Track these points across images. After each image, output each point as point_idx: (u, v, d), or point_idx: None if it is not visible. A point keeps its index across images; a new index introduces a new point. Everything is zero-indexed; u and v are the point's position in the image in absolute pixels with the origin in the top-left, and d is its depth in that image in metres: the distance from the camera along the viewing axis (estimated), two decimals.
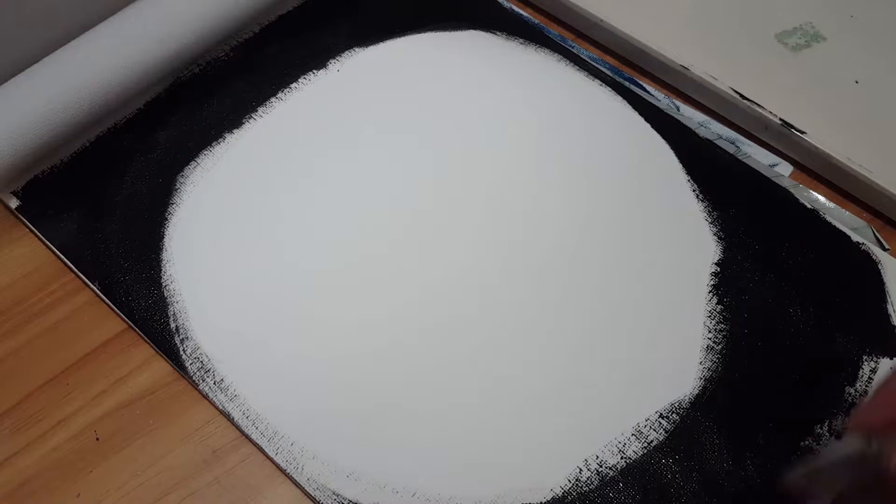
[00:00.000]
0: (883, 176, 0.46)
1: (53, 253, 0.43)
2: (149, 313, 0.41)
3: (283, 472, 0.37)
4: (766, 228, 0.45)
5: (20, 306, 0.41)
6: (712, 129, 0.50)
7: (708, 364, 0.41)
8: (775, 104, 0.48)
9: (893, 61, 0.51)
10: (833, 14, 0.53)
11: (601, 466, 0.38)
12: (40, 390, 0.39)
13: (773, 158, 0.49)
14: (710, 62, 0.50)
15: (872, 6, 0.53)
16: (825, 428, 0.39)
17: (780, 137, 0.48)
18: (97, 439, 0.38)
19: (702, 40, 0.51)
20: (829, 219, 0.46)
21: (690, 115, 0.50)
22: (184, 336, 0.40)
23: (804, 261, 0.44)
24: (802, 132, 0.47)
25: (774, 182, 0.47)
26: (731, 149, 0.49)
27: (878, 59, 0.51)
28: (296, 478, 0.37)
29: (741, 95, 0.49)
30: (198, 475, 0.37)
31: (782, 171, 0.48)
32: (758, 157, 0.48)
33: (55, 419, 0.38)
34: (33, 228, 0.44)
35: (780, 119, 0.48)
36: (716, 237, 0.45)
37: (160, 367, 0.40)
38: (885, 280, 0.44)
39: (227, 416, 0.38)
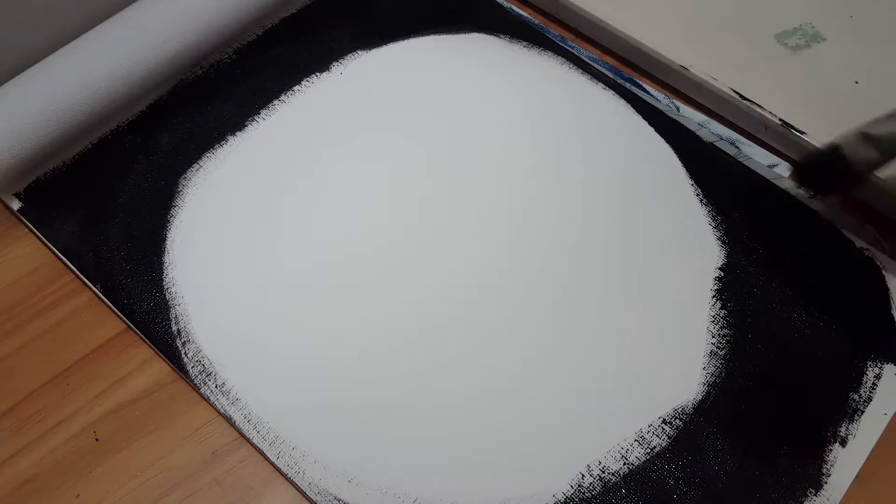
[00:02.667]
0: (883, 176, 0.45)
1: (54, 254, 0.42)
2: (150, 316, 0.40)
3: (285, 476, 0.36)
4: (771, 233, 0.45)
5: (20, 307, 0.41)
6: (712, 130, 0.49)
7: (711, 369, 0.40)
8: (775, 104, 0.47)
9: (893, 61, 0.50)
10: (833, 14, 0.52)
11: (604, 472, 0.37)
12: (40, 390, 0.38)
13: (773, 159, 0.48)
14: (710, 62, 0.49)
15: (872, 6, 0.52)
16: (829, 433, 0.39)
17: (780, 137, 0.48)
18: (97, 440, 0.37)
19: (702, 40, 0.51)
20: (833, 222, 0.45)
21: (690, 116, 0.49)
22: (185, 339, 0.40)
23: (808, 266, 0.44)
24: (802, 132, 0.46)
25: (778, 186, 0.46)
26: (731, 149, 0.48)
27: (878, 59, 0.50)
28: (297, 482, 0.36)
29: (741, 96, 0.48)
30: (198, 476, 0.37)
31: (782, 171, 0.47)
32: (758, 157, 0.48)
33: (55, 419, 0.38)
34: (35, 230, 0.43)
35: (780, 119, 0.47)
36: (720, 242, 0.44)
37: (160, 367, 0.39)
38: (888, 286, 0.43)
39: (229, 420, 0.38)
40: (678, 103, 0.50)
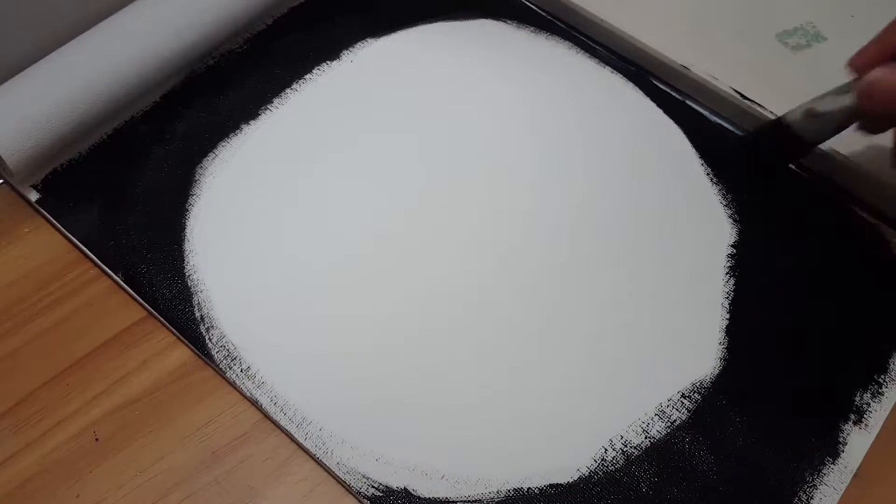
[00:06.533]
0: (882, 176, 0.38)
1: (71, 245, 0.36)
2: (173, 303, 0.35)
3: (312, 456, 0.31)
4: (780, 209, 0.40)
5: (19, 306, 0.35)
6: None
7: (728, 344, 0.36)
8: (775, 104, 0.41)
9: None
10: (833, 14, 0.45)
11: (626, 446, 0.33)
12: (39, 390, 0.33)
13: None
14: (710, 62, 0.42)
15: (873, 6, 0.45)
16: (845, 404, 0.34)
17: None
18: (97, 440, 0.32)
19: (702, 40, 0.44)
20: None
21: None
22: (209, 325, 0.34)
23: (819, 242, 0.39)
24: None
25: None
26: None
27: None
28: (325, 462, 0.31)
29: (741, 95, 0.41)
30: (197, 476, 0.31)
31: None
32: None
33: (55, 419, 0.32)
34: (54, 221, 0.37)
35: None
36: (731, 220, 0.39)
37: (160, 367, 0.34)
38: None
39: (255, 404, 0.33)
40: None
